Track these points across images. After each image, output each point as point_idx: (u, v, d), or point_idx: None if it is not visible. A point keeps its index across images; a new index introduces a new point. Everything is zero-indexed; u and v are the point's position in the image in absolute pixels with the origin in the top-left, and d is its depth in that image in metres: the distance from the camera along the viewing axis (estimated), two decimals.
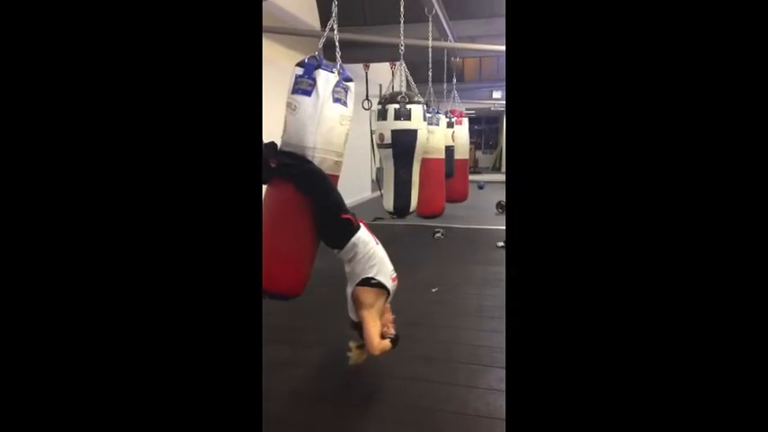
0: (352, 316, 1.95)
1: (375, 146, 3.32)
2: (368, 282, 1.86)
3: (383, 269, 1.90)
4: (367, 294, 1.86)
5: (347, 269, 1.95)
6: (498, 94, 10.64)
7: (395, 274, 1.97)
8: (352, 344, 1.95)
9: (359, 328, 1.90)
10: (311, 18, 5.37)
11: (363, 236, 1.90)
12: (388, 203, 3.28)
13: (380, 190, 3.47)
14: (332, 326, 2.63)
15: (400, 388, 1.95)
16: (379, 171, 3.44)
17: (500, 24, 5.31)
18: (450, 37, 5.01)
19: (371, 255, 1.88)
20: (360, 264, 1.88)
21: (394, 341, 1.87)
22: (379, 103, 3.13)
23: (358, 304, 1.87)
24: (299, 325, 2.68)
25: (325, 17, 5.83)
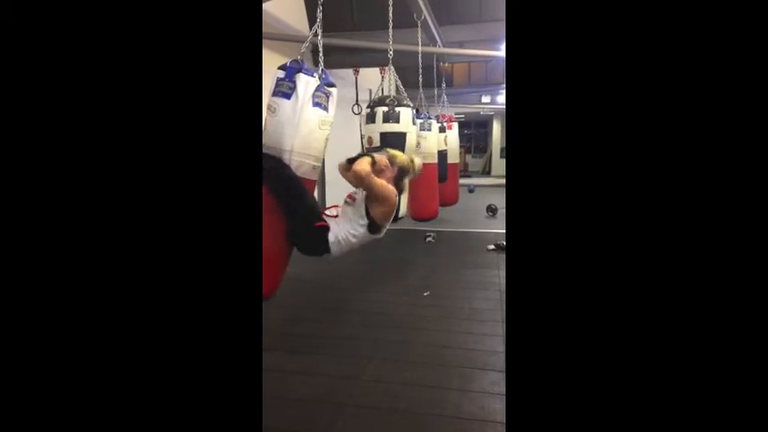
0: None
1: (364, 150, 3.32)
2: (369, 221, 1.86)
3: (357, 214, 1.88)
4: (379, 197, 1.85)
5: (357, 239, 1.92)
6: (487, 99, 10.71)
7: (351, 193, 1.96)
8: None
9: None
10: (301, 24, 5.37)
11: (336, 231, 1.87)
12: None
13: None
14: (328, 333, 2.62)
15: (394, 392, 1.95)
16: None
17: (489, 30, 5.36)
18: (439, 42, 5.04)
19: (350, 237, 1.87)
20: (355, 238, 1.87)
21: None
22: (368, 106, 3.13)
23: (379, 196, 1.85)
24: (295, 332, 2.66)
25: (313, 23, 5.83)
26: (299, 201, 1.81)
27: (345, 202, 1.95)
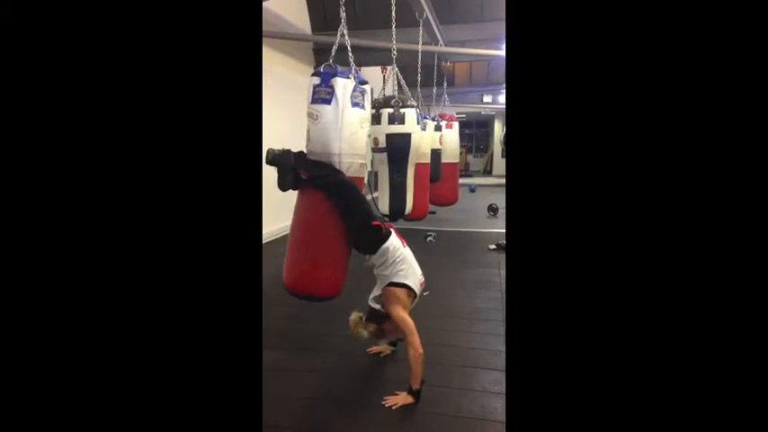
0: (373, 304, 2.06)
1: (370, 149, 3.32)
2: (399, 284, 1.96)
3: (412, 276, 2.00)
4: (399, 292, 1.96)
5: (376, 272, 2.04)
6: (489, 99, 10.71)
7: (423, 279, 2.07)
8: (354, 314, 2.06)
9: (377, 316, 2.04)
10: (302, 22, 5.37)
11: (394, 241, 1.99)
12: (384, 207, 3.30)
13: (372, 193, 3.47)
14: (328, 331, 2.62)
15: (394, 391, 1.95)
16: (370, 174, 3.44)
17: (490, 29, 5.36)
18: (441, 41, 5.04)
19: (401, 260, 1.99)
20: (389, 268, 1.97)
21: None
22: (373, 107, 3.13)
23: (390, 300, 1.96)
24: (295, 330, 2.66)
25: (315, 21, 5.84)
26: (354, 205, 1.88)
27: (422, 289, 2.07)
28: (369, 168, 3.53)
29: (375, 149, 3.15)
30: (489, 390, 2.00)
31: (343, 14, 1.96)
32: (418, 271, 2.04)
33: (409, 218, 3.97)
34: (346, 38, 1.98)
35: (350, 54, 1.98)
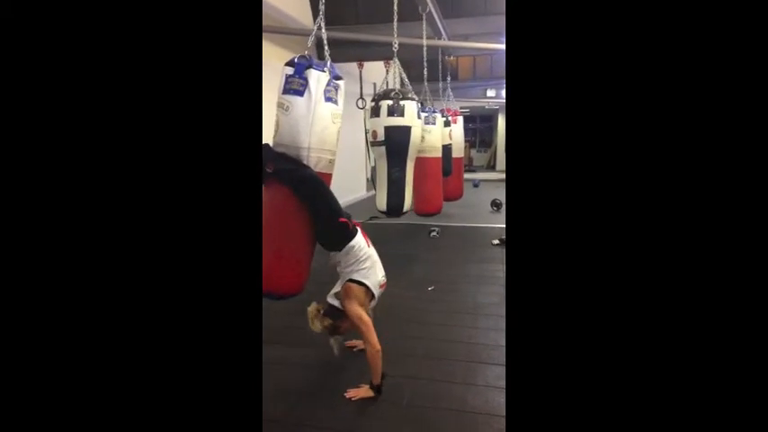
0: (332, 300, 2.05)
1: (369, 144, 3.30)
2: (358, 282, 1.96)
3: (372, 276, 1.99)
4: (357, 290, 1.96)
5: (339, 270, 2.02)
6: (492, 93, 10.66)
7: (384, 281, 2.06)
8: (313, 305, 2.05)
9: (334, 312, 2.02)
10: (304, 17, 5.35)
11: (359, 240, 1.98)
12: (381, 203, 3.24)
13: (375, 189, 3.45)
14: None
15: (398, 386, 1.95)
16: (374, 170, 3.42)
17: (494, 23, 5.33)
18: (444, 35, 5.01)
19: (364, 259, 1.98)
20: (351, 266, 1.97)
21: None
22: (373, 100, 3.10)
23: (348, 296, 1.96)
24: (290, 324, 2.66)
25: (317, 15, 5.81)
26: (322, 201, 1.87)
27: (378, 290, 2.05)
28: (372, 164, 3.52)
29: (374, 143, 3.12)
30: (493, 384, 1.99)
31: (322, 7, 1.94)
32: (380, 273, 2.03)
33: (423, 212, 3.96)
34: (323, 31, 1.96)
35: (326, 48, 1.96)
